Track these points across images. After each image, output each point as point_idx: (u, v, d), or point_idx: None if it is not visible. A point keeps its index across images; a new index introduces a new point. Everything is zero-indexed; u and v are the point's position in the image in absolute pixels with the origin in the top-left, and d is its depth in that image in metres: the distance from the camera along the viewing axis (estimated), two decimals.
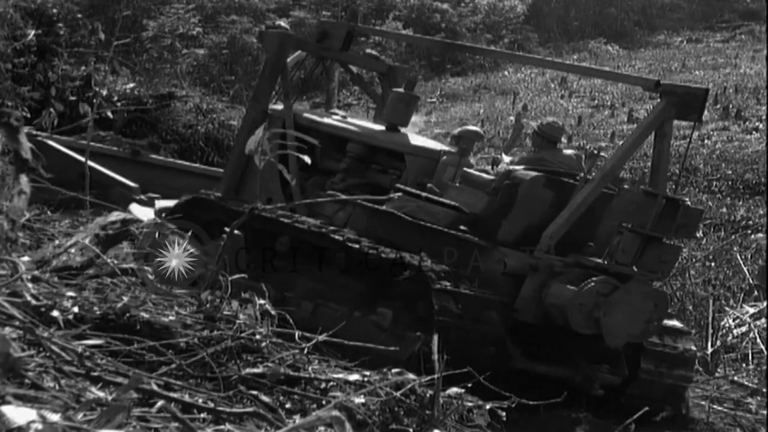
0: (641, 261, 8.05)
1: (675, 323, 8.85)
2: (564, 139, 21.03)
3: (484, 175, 9.03)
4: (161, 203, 10.28)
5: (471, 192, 8.76)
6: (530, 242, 8.18)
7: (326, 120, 10.12)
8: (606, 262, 8.06)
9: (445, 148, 9.62)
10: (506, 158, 9.61)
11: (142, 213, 9.26)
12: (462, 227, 8.46)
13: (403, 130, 9.94)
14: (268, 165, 10.34)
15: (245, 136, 9.91)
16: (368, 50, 11.14)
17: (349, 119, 10.29)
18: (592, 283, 7.82)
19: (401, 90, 10.00)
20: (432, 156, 9.43)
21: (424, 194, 8.68)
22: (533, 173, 8.47)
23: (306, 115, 10.26)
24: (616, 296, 7.80)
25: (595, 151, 8.93)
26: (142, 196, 10.28)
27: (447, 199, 8.68)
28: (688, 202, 8.20)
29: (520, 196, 8.38)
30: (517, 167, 8.74)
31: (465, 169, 9.12)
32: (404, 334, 7.73)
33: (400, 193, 8.66)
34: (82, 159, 10.61)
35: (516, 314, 8.06)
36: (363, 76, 11.48)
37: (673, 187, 19.07)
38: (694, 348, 8.93)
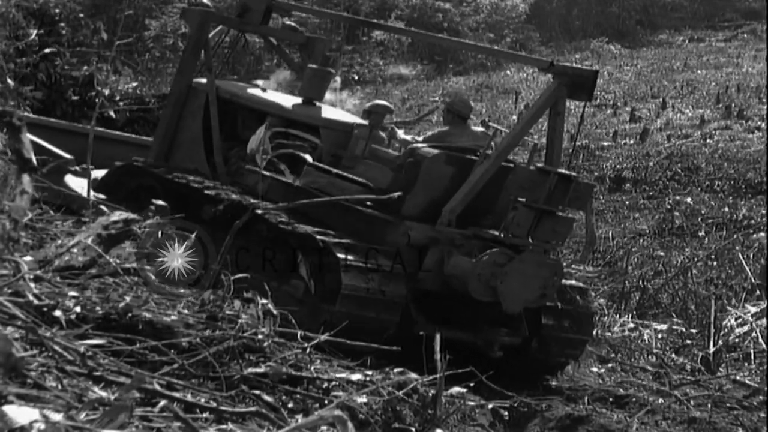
0: (536, 232, 8.58)
1: (574, 282, 9.41)
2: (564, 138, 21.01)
3: (391, 152, 9.45)
4: (95, 174, 10.27)
5: (378, 168, 9.18)
6: (433, 216, 8.60)
7: (246, 93, 10.47)
8: (502, 235, 8.49)
9: (359, 121, 9.94)
10: (400, 133, 9.90)
11: (77, 184, 9.29)
12: (369, 203, 8.72)
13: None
14: (193, 136, 11.01)
15: (171, 107, 10.66)
16: (287, 21, 11.31)
17: (269, 92, 10.61)
18: (489, 255, 8.32)
19: (315, 66, 10.42)
20: (345, 129, 9.79)
21: (334, 170, 9.10)
22: (435, 151, 8.86)
23: (228, 88, 10.58)
24: (511, 266, 8.35)
25: (492, 127, 9.27)
26: (77, 168, 10.19)
27: (356, 174, 9.10)
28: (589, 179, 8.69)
29: (422, 173, 8.76)
30: (421, 145, 9.13)
31: (374, 145, 9.49)
32: (315, 304, 8.11)
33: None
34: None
35: (419, 283, 8.57)
36: (283, 48, 11.72)
37: (675, 185, 18.97)
38: (594, 304, 9.53)
